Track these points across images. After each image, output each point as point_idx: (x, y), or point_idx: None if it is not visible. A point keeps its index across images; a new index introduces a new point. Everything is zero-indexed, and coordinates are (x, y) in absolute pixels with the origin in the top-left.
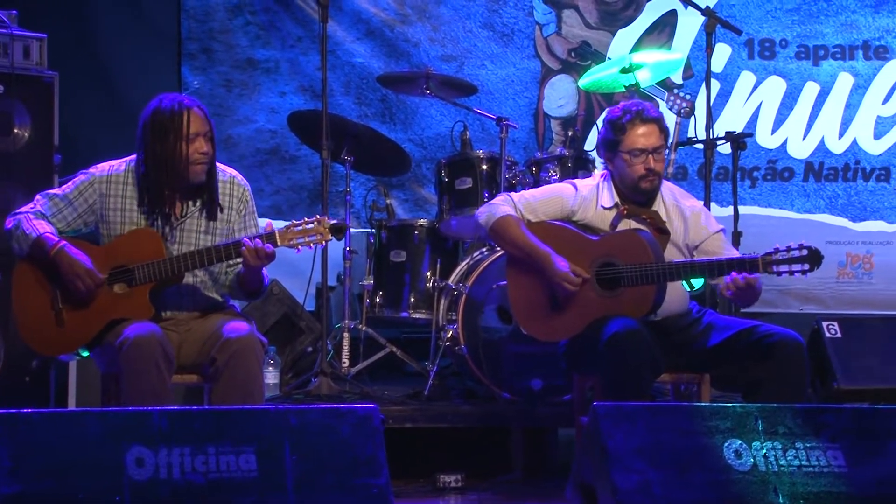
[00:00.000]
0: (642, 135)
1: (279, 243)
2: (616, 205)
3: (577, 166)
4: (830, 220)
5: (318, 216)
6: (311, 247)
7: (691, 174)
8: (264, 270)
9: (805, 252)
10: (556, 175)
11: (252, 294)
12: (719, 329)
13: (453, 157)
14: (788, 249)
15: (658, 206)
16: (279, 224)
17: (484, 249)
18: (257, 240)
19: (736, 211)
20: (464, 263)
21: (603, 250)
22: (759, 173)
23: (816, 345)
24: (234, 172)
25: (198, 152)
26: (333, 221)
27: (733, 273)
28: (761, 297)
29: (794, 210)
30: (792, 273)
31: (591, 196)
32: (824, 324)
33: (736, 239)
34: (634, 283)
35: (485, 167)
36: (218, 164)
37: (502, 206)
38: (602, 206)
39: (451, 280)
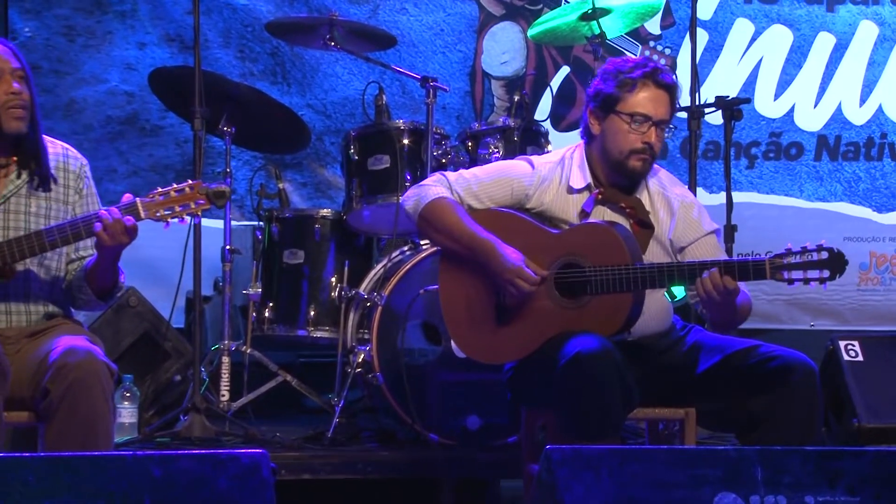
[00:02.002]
0: (652, 99)
1: (142, 215)
2: (590, 186)
3: (526, 141)
4: (850, 210)
5: (191, 181)
6: (184, 219)
7: (672, 151)
8: (119, 263)
9: (825, 255)
10: (498, 152)
11: (104, 294)
12: (709, 351)
13: (366, 128)
14: (804, 251)
15: (641, 194)
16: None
17: (405, 248)
18: (112, 208)
19: (729, 198)
20: (379, 266)
21: (565, 247)
22: (759, 150)
23: (832, 370)
24: (66, 145)
25: (7, 93)
26: (212, 186)
27: (712, 271)
28: (761, 310)
29: (804, 197)
30: (807, 282)
31: (552, 176)
32: (842, 344)
33: (729, 234)
34: (604, 291)
35: (406, 142)
36: (47, 137)
37: (435, 187)
38: (571, 188)
39: (363, 288)
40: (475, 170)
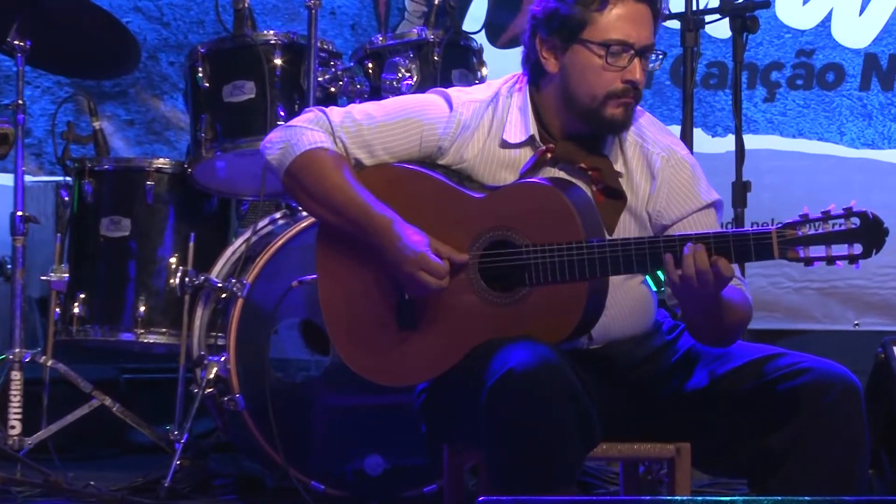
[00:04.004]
0: (632, 18)
1: None
2: (532, 140)
3: (451, 61)
4: None
5: None
6: None
7: (659, 77)
8: None
9: (856, 222)
10: (410, 77)
11: None
12: (709, 361)
13: (220, 42)
14: (826, 217)
15: (610, 149)
16: None
17: (277, 216)
18: None
19: (740, 144)
20: (239, 242)
21: (493, 218)
22: (783, 75)
23: (884, 388)
24: None
25: None
26: None
27: (697, 248)
28: (785, 303)
29: (845, 143)
30: (831, 261)
31: (478, 121)
32: None
33: (740, 195)
34: (549, 280)
35: (279, 62)
36: None
37: (311, 131)
38: (505, 142)
39: (217, 273)
40: (368, 107)
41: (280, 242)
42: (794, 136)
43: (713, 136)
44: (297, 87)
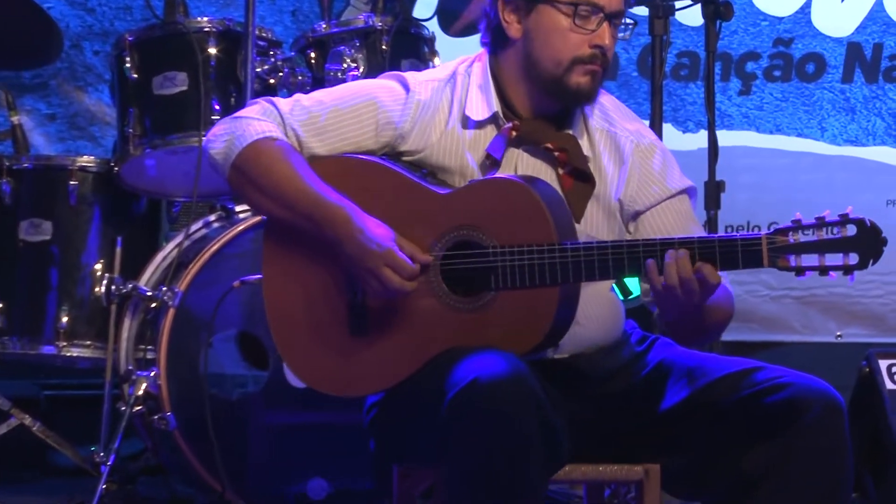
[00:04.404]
0: None
1: None
2: (496, 117)
3: (401, 50)
4: None
5: None
6: None
7: (625, 68)
8: None
9: (852, 230)
10: (357, 68)
11: None
12: (681, 375)
13: (149, 30)
14: (820, 224)
15: (577, 130)
16: None
17: (211, 218)
18: None
19: (713, 141)
20: (170, 247)
21: (458, 216)
22: (760, 66)
23: (868, 404)
24: None
25: None
26: None
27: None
28: (761, 312)
29: (826, 139)
30: (825, 271)
31: (439, 102)
32: (883, 364)
33: (713, 196)
34: (517, 285)
35: (213, 51)
36: None
37: (259, 121)
38: (468, 120)
39: (146, 280)
40: (320, 94)
41: (215, 247)
42: (771, 132)
43: (684, 132)
44: (233, 79)
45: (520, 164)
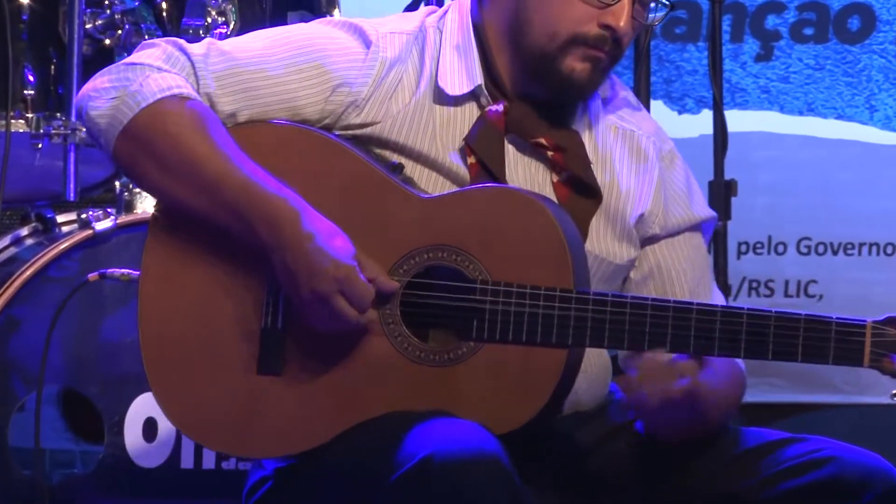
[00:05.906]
0: None
1: None
2: (476, 95)
3: (286, 2)
4: None
5: None
6: None
7: None
8: None
9: None
10: (224, 24)
11: None
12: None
13: None
14: None
15: (579, 124)
16: None
17: (23, 232)
18: None
19: (721, 126)
20: None
21: (436, 232)
22: (784, 22)
23: None
24: None
25: None
26: None
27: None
28: (788, 368)
29: (876, 123)
30: None
31: (405, 62)
32: None
33: (722, 200)
34: (509, 338)
35: (26, 2)
36: None
37: (160, 73)
38: (442, 93)
39: None
40: (245, 38)
41: (29, 272)
42: (800, 113)
43: (680, 113)
44: (54, 40)
45: (507, 162)
